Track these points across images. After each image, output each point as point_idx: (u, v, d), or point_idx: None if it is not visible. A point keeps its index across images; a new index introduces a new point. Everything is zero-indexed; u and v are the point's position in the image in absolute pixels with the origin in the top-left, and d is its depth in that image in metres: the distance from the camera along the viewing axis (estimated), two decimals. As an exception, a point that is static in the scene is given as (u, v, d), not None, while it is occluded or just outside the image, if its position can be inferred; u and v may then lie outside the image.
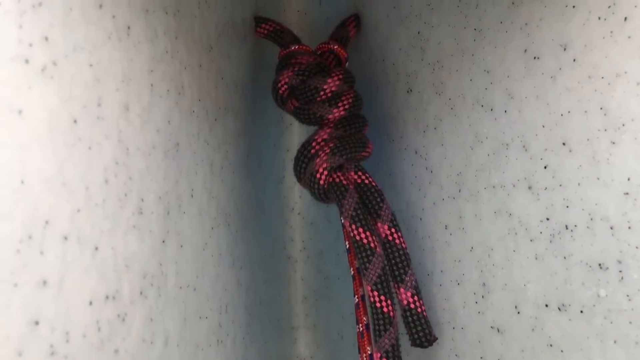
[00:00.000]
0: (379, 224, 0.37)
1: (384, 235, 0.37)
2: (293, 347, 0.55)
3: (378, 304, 0.36)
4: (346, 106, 0.40)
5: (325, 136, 0.40)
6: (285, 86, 0.41)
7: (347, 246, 0.39)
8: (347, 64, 0.44)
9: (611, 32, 0.28)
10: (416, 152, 0.41)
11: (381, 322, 0.36)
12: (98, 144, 0.26)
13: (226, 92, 0.41)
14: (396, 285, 0.36)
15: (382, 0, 0.43)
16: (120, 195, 0.27)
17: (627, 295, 0.28)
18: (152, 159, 0.30)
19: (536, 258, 0.32)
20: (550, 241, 0.31)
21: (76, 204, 0.24)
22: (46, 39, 0.23)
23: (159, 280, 0.30)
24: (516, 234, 0.33)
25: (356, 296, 0.39)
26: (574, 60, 0.29)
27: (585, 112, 0.29)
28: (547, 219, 0.31)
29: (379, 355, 0.35)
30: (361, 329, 0.39)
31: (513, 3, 0.32)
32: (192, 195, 0.35)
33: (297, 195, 0.55)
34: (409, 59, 0.41)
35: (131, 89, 0.28)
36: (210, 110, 0.38)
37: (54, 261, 0.22)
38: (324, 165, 0.38)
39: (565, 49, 0.30)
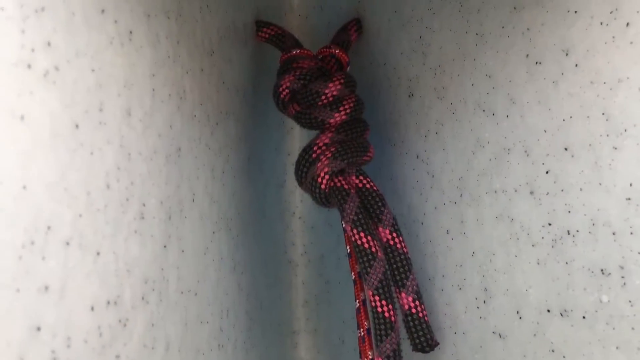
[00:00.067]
0: (380, 229, 0.37)
1: (385, 239, 0.37)
2: (294, 351, 0.55)
3: (379, 309, 0.36)
4: (347, 110, 0.40)
5: (327, 140, 0.39)
6: (287, 90, 0.41)
7: (348, 250, 0.39)
8: (348, 68, 0.44)
9: (613, 37, 0.28)
10: (417, 157, 0.41)
11: (382, 326, 0.36)
12: (100, 149, 0.26)
13: (227, 97, 0.41)
14: (397, 289, 0.36)
15: (384, 4, 0.44)
16: (122, 200, 0.27)
17: (630, 301, 0.28)
18: (154, 164, 0.30)
19: (538, 263, 0.32)
20: (552, 246, 0.31)
21: (78, 209, 0.24)
22: (49, 44, 0.23)
23: (160, 285, 0.30)
24: (518, 239, 0.33)
25: (357, 301, 0.39)
26: (576, 65, 0.29)
27: (588, 117, 0.29)
28: (549, 224, 0.31)
29: (380, 360, 0.35)
30: (362, 333, 0.38)
31: (515, 8, 0.32)
32: (193, 200, 0.35)
33: (298, 200, 0.55)
34: (410, 64, 0.41)
35: (133, 94, 0.28)
36: (212, 115, 0.38)
37: (55, 267, 0.22)
38: (326, 170, 0.38)
39: (567, 54, 0.30)
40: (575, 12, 0.29)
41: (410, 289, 0.36)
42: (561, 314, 0.30)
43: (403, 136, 0.42)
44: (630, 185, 0.27)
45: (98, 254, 0.25)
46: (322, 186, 0.39)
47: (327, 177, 0.38)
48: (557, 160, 0.30)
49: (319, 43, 0.46)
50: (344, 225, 0.38)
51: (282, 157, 0.53)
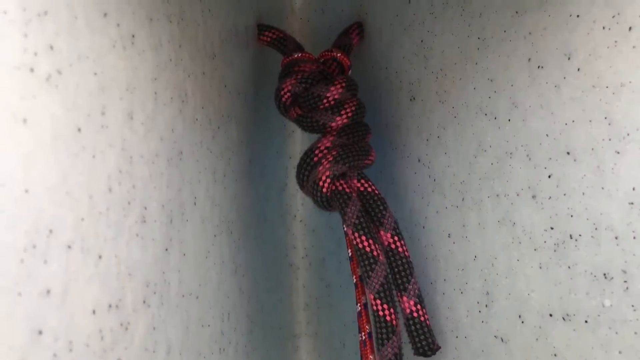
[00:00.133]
0: (382, 232, 0.37)
1: (386, 243, 0.37)
2: (295, 354, 0.55)
3: (381, 313, 0.36)
4: (349, 114, 0.40)
5: (328, 144, 0.39)
6: (288, 94, 0.41)
7: (350, 254, 0.39)
8: (350, 72, 0.44)
9: (616, 41, 0.28)
10: (419, 160, 0.41)
11: (384, 330, 0.35)
12: (102, 152, 0.25)
13: (229, 100, 0.41)
14: (399, 293, 0.36)
15: (385, 8, 0.44)
16: (123, 203, 0.27)
17: (632, 306, 0.27)
18: (156, 167, 0.30)
19: (540, 267, 0.31)
20: (555, 250, 0.31)
21: (80, 213, 0.24)
22: (51, 47, 0.23)
23: (161, 289, 0.30)
24: (520, 243, 0.33)
25: (359, 304, 0.39)
26: (578, 69, 0.29)
27: (590, 121, 0.29)
28: (552, 228, 0.31)
29: (382, 364, 0.35)
30: (364, 337, 0.38)
31: (517, 12, 0.32)
32: (195, 203, 0.35)
33: (299, 203, 0.55)
34: (412, 67, 0.41)
35: (135, 97, 0.28)
36: (214, 118, 0.38)
37: (57, 270, 0.22)
38: (327, 173, 0.38)
39: (569, 58, 0.30)
40: (578, 16, 0.29)
41: (411, 292, 0.36)
42: (563, 318, 0.30)
43: (405, 140, 0.42)
44: (633, 189, 0.27)
45: (100, 257, 0.25)
46: (324, 190, 0.39)
47: (328, 180, 0.38)
48: (560, 164, 0.30)
49: (320, 46, 0.46)
50: (345, 229, 0.38)
51: (283, 161, 0.53)
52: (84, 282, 0.24)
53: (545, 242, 0.31)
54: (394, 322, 0.35)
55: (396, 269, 0.36)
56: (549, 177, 0.31)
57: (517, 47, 0.33)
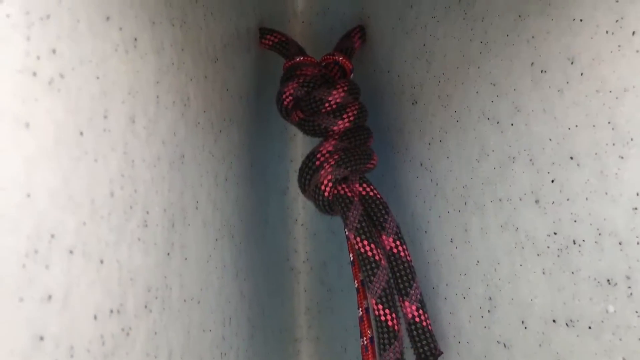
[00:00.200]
0: (384, 237, 0.37)
1: (388, 247, 0.37)
2: (296, 359, 0.55)
3: (383, 318, 0.35)
4: (351, 118, 0.40)
5: (330, 148, 0.39)
6: (290, 97, 0.41)
7: (352, 258, 0.39)
8: (352, 76, 0.44)
9: (619, 46, 0.28)
10: (421, 164, 0.40)
11: (386, 335, 0.35)
12: (104, 156, 0.25)
13: (231, 104, 0.41)
14: (401, 298, 0.36)
15: (388, 11, 0.44)
16: (125, 207, 0.27)
17: (636, 312, 0.27)
18: (157, 171, 0.30)
19: (543, 273, 0.31)
20: (558, 256, 0.31)
21: (82, 217, 0.24)
22: (54, 51, 0.22)
23: (163, 294, 0.30)
24: (523, 248, 0.32)
25: (360, 309, 0.39)
26: (582, 74, 0.29)
27: (593, 126, 0.29)
28: (555, 234, 0.31)
29: (384, 369, 0.35)
30: (365, 342, 0.38)
31: (519, 16, 0.32)
32: (196, 207, 0.35)
33: (300, 207, 0.55)
34: (414, 71, 0.41)
35: (137, 101, 0.28)
36: (215, 122, 0.38)
37: (59, 275, 0.22)
38: (329, 177, 0.38)
39: (572, 63, 0.30)
40: (581, 20, 0.29)
41: (413, 297, 0.36)
42: (567, 324, 0.30)
43: (407, 144, 0.42)
44: (637, 194, 0.27)
45: (101, 262, 0.25)
46: (326, 194, 0.38)
47: (330, 184, 0.38)
48: (563, 169, 0.30)
49: (322, 50, 0.46)
50: (347, 233, 0.38)
51: (284, 164, 0.53)
52: (86, 287, 0.24)
53: (548, 247, 0.31)
54: (396, 327, 0.35)
55: (398, 274, 0.36)
56: (552, 181, 0.31)
57: (520, 51, 0.32)
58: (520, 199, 0.33)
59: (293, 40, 0.45)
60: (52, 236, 0.22)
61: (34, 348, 0.21)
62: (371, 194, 0.38)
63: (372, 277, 0.36)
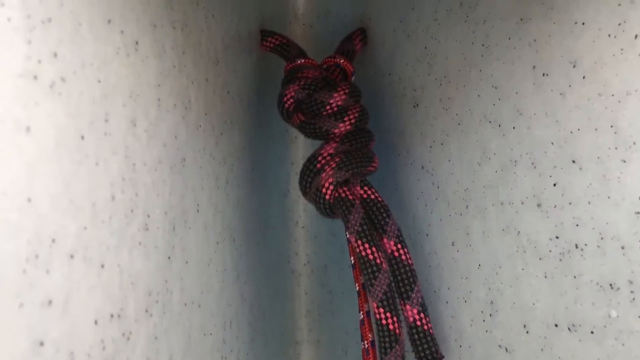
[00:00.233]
0: (385, 240, 0.37)
1: (389, 251, 0.37)
2: (296, 362, 0.54)
3: (384, 321, 0.35)
4: (352, 120, 0.40)
5: (331, 151, 0.39)
6: (291, 100, 0.41)
7: (353, 261, 0.39)
8: (353, 78, 0.44)
9: (622, 49, 0.28)
10: (423, 167, 0.40)
11: (387, 339, 0.35)
12: (105, 160, 0.25)
13: (232, 106, 0.41)
14: (402, 301, 0.36)
15: (389, 14, 0.43)
16: (126, 211, 0.27)
17: (639, 317, 0.27)
18: (158, 174, 0.30)
19: (545, 277, 0.31)
20: (560, 260, 0.30)
21: (83, 221, 0.24)
22: (55, 55, 0.22)
23: (164, 297, 0.30)
24: (525, 252, 0.32)
25: (361, 312, 0.39)
26: (584, 77, 0.29)
27: (596, 129, 0.29)
28: (557, 237, 0.31)
29: (385, 373, 0.35)
30: (366, 345, 0.38)
31: (521, 19, 0.32)
32: (197, 211, 0.35)
33: (301, 209, 0.54)
34: (415, 74, 0.41)
35: (138, 104, 0.28)
36: (216, 125, 0.38)
37: (59, 280, 0.22)
38: (330, 180, 0.38)
39: (574, 66, 0.30)
40: (583, 23, 0.29)
41: (415, 301, 0.36)
42: (569, 329, 0.30)
43: (408, 146, 0.42)
44: (640, 198, 0.27)
45: (102, 266, 0.25)
46: (327, 197, 0.38)
47: (331, 187, 0.38)
48: (565, 172, 0.30)
49: (323, 52, 0.45)
50: (348, 236, 0.38)
51: (285, 167, 0.53)
52: (86, 292, 0.24)
53: (550, 251, 0.31)
54: (397, 330, 0.35)
55: (399, 277, 0.36)
56: (554, 185, 0.31)
57: (521, 55, 0.32)
58: (522, 203, 0.32)
59: (294, 43, 0.45)
60: (53, 241, 0.22)
61: (34, 353, 0.21)
62: (372, 196, 0.38)
63: (373, 281, 0.36)
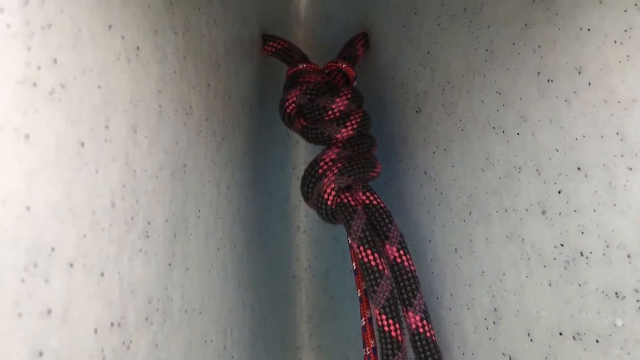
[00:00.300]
0: (387, 246, 0.37)
1: (392, 257, 0.37)
2: (297, 368, 0.54)
3: (386, 328, 0.35)
4: (354, 126, 0.40)
5: (333, 156, 0.39)
6: (293, 105, 0.41)
7: (354, 267, 0.39)
8: (355, 83, 0.44)
9: (628, 56, 0.27)
10: (425, 173, 0.40)
11: (389, 346, 0.35)
12: (105, 167, 0.25)
13: (233, 111, 0.40)
14: (405, 308, 0.36)
15: (391, 19, 0.43)
16: (126, 219, 0.26)
17: (646, 326, 0.27)
18: (159, 181, 0.30)
19: (550, 285, 0.31)
20: (565, 268, 0.30)
21: (82, 229, 0.23)
22: (55, 61, 0.22)
23: (164, 305, 0.30)
24: (529, 259, 0.32)
25: (363, 319, 0.38)
26: (589, 84, 0.29)
27: (601, 136, 0.28)
28: (562, 245, 0.30)
29: (387, 381, 0.34)
30: (368, 352, 0.38)
31: (526, 25, 0.32)
32: (198, 217, 0.34)
33: (302, 214, 0.54)
34: (418, 79, 0.41)
35: (139, 110, 0.28)
36: (218, 130, 0.38)
37: (59, 289, 0.22)
38: (332, 186, 0.38)
39: (580, 72, 0.29)
40: (589, 30, 0.29)
41: (417, 307, 0.35)
42: (574, 337, 0.30)
43: (410, 152, 0.42)
44: (646, 207, 0.27)
45: (102, 274, 0.24)
46: (329, 202, 0.38)
47: (333, 193, 0.38)
48: (570, 179, 0.30)
49: (325, 57, 0.45)
50: (350, 242, 0.38)
51: (287, 171, 0.52)
52: (86, 301, 0.23)
53: (555, 259, 0.31)
54: (400, 337, 0.35)
55: (402, 284, 0.36)
56: (559, 192, 0.30)
57: (526, 60, 0.32)
58: (527, 210, 0.32)
59: (296, 47, 0.45)
60: (52, 249, 0.21)
61: (33, 364, 0.21)
62: (375, 202, 0.38)
63: (375, 287, 0.35)
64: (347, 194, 0.38)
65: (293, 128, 0.42)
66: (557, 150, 0.30)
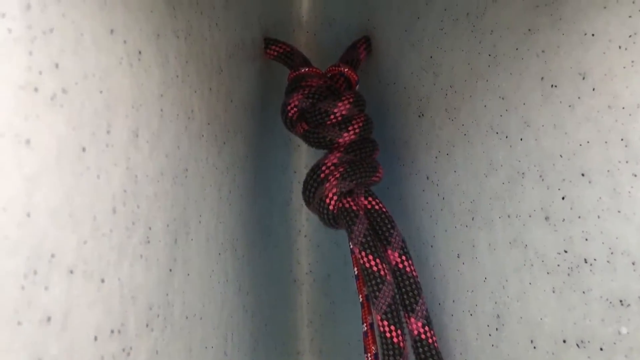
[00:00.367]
0: (389, 251, 0.37)
1: (394, 262, 0.36)
2: (298, 372, 0.54)
3: (388, 334, 0.35)
4: (357, 130, 0.39)
5: (335, 160, 0.39)
6: (295, 109, 0.41)
7: (356, 272, 0.39)
8: (357, 87, 0.43)
9: (632, 61, 0.27)
10: (428, 178, 0.40)
11: (391, 352, 0.35)
12: (106, 172, 0.25)
13: (235, 115, 0.40)
14: (406, 314, 0.35)
15: (394, 23, 0.43)
16: (127, 224, 0.26)
17: (650, 334, 0.27)
18: (160, 186, 0.29)
19: (553, 291, 0.31)
20: (569, 274, 0.30)
21: (83, 235, 0.23)
22: (57, 66, 0.22)
23: (165, 311, 0.29)
24: (532, 265, 0.32)
25: (365, 324, 0.38)
26: (594, 89, 0.29)
27: (606, 142, 0.28)
28: (565, 252, 0.30)
29: (389, 388, 0.34)
30: (370, 358, 0.38)
31: (529, 30, 0.32)
32: (199, 222, 0.34)
33: (304, 218, 0.54)
34: (420, 83, 0.40)
35: (141, 115, 0.28)
36: (219, 134, 0.37)
37: (59, 296, 0.21)
38: (334, 190, 0.38)
39: (584, 78, 0.29)
40: (593, 35, 0.29)
41: (419, 313, 0.35)
42: (577, 345, 0.30)
43: (413, 157, 0.41)
44: (651, 214, 0.27)
45: (102, 281, 0.24)
46: (331, 207, 0.38)
47: (335, 197, 0.38)
48: (574, 185, 0.30)
49: (327, 61, 0.45)
50: (351, 247, 0.37)
51: (288, 175, 0.52)
52: (86, 308, 0.23)
53: (558, 265, 0.30)
54: (401, 343, 0.35)
55: (403, 289, 0.36)
56: (563, 198, 0.30)
57: (529, 65, 0.32)
58: (530, 216, 0.32)
59: (298, 51, 0.45)
60: (52, 256, 0.21)
61: (33, 372, 0.20)
62: (377, 207, 0.38)
63: (377, 293, 0.35)
64: (348, 199, 0.38)
65: (295, 132, 0.42)
66: (561, 155, 0.30)
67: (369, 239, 0.36)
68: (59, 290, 0.21)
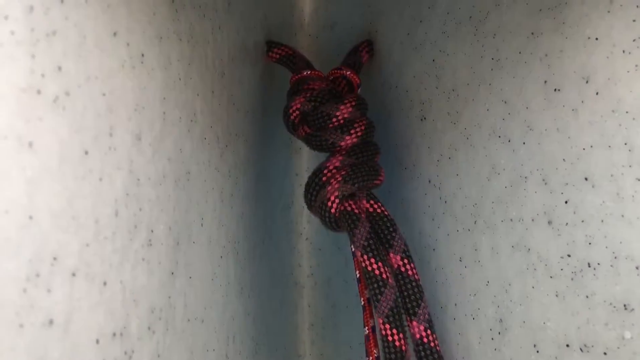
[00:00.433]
0: (391, 254, 0.36)
1: (396, 266, 0.36)
2: (299, 376, 0.54)
3: (390, 338, 0.35)
4: (359, 133, 0.39)
5: (337, 163, 0.39)
6: (297, 112, 0.41)
7: (358, 275, 0.38)
8: (359, 90, 0.43)
9: (636, 66, 0.27)
10: (430, 181, 0.40)
11: (393, 356, 0.35)
12: (109, 175, 0.25)
13: (237, 118, 0.40)
14: (409, 318, 0.35)
15: (396, 26, 0.43)
16: (130, 227, 0.26)
17: (654, 339, 0.27)
18: (163, 189, 0.29)
19: (556, 296, 0.31)
20: (572, 279, 0.30)
21: (85, 238, 0.23)
22: (59, 68, 0.22)
23: (167, 314, 0.29)
24: (535, 269, 0.32)
25: (366, 327, 0.38)
26: (597, 93, 0.29)
27: (609, 146, 0.28)
28: (568, 256, 0.30)
29: (391, 392, 0.34)
30: (372, 362, 0.37)
31: (532, 33, 0.32)
32: (202, 225, 0.34)
33: (305, 221, 0.54)
34: (422, 87, 0.40)
35: (143, 118, 0.28)
36: (222, 137, 0.37)
37: (61, 299, 0.21)
38: (336, 194, 0.38)
39: (587, 82, 0.29)
40: (596, 39, 0.29)
41: (421, 317, 0.35)
42: (581, 349, 0.29)
43: (415, 160, 0.41)
44: (655, 218, 0.26)
45: (104, 284, 0.24)
46: (332, 210, 0.38)
47: (337, 201, 0.38)
48: (577, 190, 0.30)
49: (329, 63, 0.45)
50: (353, 250, 0.37)
51: (290, 178, 0.52)
52: (88, 311, 0.23)
53: (561, 269, 0.30)
54: (404, 347, 0.35)
55: (405, 293, 0.36)
56: (566, 202, 0.30)
57: (532, 69, 0.32)
58: (533, 220, 0.32)
59: (300, 54, 0.45)
60: (55, 259, 0.21)
61: (34, 375, 0.20)
62: (378, 210, 0.38)
63: (379, 296, 0.35)
64: (350, 202, 0.38)
65: (297, 135, 0.42)
66: (564, 160, 0.30)
67: (371, 242, 0.36)
68: (61, 293, 0.21)
